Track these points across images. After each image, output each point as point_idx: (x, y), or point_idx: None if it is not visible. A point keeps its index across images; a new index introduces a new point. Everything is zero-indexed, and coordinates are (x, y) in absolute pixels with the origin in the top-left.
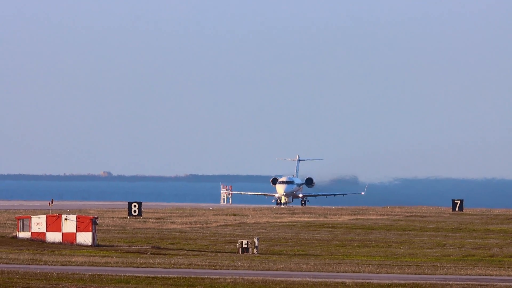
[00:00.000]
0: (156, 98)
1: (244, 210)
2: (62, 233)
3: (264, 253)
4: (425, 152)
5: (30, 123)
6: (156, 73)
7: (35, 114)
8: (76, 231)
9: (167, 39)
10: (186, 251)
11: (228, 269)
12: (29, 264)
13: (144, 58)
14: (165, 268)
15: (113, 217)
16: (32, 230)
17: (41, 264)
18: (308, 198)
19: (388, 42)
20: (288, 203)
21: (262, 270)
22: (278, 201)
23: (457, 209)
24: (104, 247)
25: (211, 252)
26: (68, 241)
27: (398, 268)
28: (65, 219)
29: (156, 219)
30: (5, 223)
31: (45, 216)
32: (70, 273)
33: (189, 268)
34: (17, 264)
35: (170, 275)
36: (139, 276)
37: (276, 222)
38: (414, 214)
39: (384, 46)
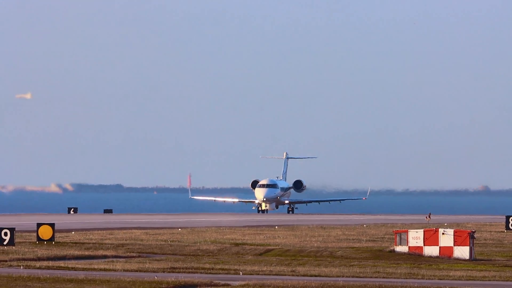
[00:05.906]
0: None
1: None
2: (439, 247)
3: None
4: None
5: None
6: None
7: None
8: (454, 245)
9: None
10: None
11: None
12: (406, 278)
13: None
14: None
15: (490, 231)
16: (410, 244)
17: (418, 278)
18: (297, 205)
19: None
20: (271, 210)
21: None
22: (259, 208)
23: None
24: (481, 261)
25: None
26: (445, 255)
27: None
28: (443, 233)
29: None
30: (382, 237)
31: (422, 230)
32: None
33: None
34: (394, 278)
35: None
36: None
37: None
38: None
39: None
